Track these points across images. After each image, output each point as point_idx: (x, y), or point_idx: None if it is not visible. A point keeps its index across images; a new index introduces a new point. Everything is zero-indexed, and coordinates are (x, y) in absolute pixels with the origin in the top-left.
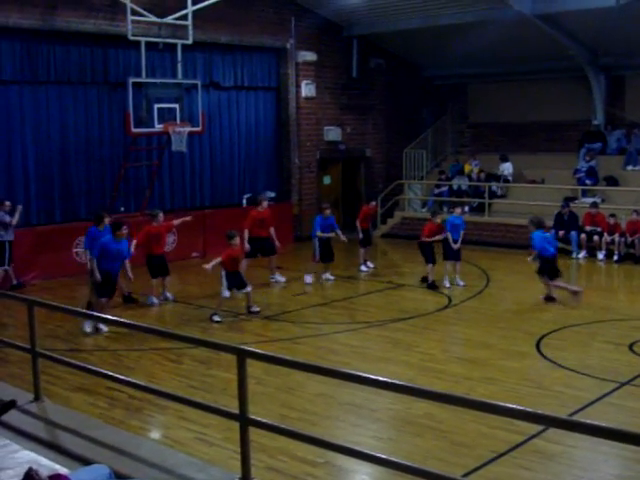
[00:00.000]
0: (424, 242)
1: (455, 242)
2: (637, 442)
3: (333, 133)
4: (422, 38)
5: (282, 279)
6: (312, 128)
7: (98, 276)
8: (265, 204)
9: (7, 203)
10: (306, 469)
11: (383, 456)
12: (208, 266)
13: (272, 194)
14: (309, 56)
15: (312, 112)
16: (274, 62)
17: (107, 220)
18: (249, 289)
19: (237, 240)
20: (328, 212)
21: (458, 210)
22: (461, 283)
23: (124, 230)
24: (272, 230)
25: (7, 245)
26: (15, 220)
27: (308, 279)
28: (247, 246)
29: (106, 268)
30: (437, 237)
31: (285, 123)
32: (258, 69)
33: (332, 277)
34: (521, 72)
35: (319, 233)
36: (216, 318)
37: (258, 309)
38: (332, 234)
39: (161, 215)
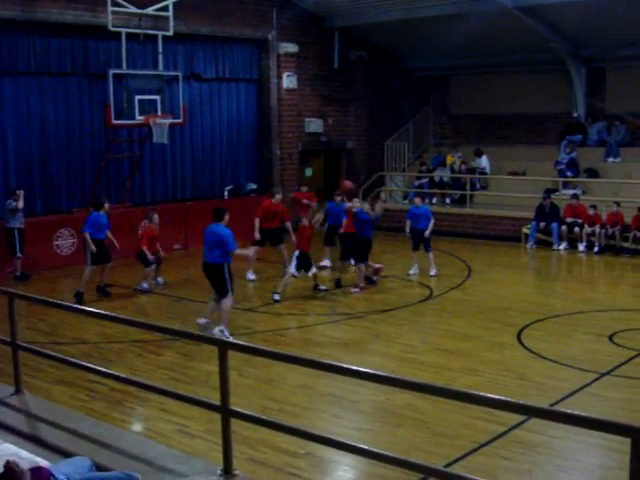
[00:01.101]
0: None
1: (419, 232)
2: (617, 431)
3: (314, 125)
4: (404, 30)
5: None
6: (293, 120)
7: (93, 247)
8: (279, 197)
9: (18, 192)
10: (288, 460)
11: (364, 447)
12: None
13: (254, 186)
14: (290, 48)
15: (293, 104)
16: (255, 54)
17: (107, 206)
18: (315, 271)
19: (305, 221)
20: (339, 199)
21: (417, 200)
22: (432, 272)
23: (106, 206)
24: (288, 225)
25: (16, 232)
26: (21, 204)
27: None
28: (257, 235)
29: (98, 238)
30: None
31: (266, 115)
32: (239, 61)
33: (329, 264)
34: (502, 64)
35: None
36: (276, 297)
37: (325, 287)
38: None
39: (156, 216)
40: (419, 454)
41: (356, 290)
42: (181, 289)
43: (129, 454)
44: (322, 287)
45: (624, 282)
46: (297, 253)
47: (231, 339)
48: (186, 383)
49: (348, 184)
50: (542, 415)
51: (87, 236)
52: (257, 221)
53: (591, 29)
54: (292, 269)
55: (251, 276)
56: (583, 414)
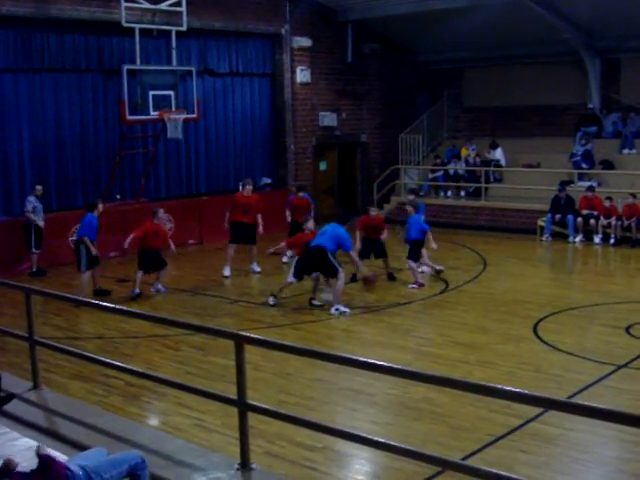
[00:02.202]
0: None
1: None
2: (635, 424)
3: (328, 119)
4: (417, 23)
5: (257, 269)
6: (307, 114)
7: (95, 250)
8: (249, 188)
9: (38, 187)
10: (305, 454)
11: (381, 440)
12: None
13: (268, 180)
14: (304, 42)
15: (307, 98)
16: (269, 48)
17: (101, 207)
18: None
19: (310, 224)
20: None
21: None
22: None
23: (100, 207)
24: (259, 217)
25: (33, 228)
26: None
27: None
28: (225, 226)
29: (90, 240)
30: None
31: (280, 109)
32: (253, 55)
33: None
34: (516, 56)
35: None
36: (271, 301)
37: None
38: None
39: (161, 212)
40: (436, 447)
41: (414, 286)
42: (197, 284)
43: (147, 448)
44: (316, 302)
45: None
46: (296, 259)
47: (348, 312)
48: (202, 377)
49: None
50: (559, 408)
51: (86, 240)
52: (227, 214)
53: (605, 20)
54: (290, 277)
55: (226, 272)
56: (600, 406)
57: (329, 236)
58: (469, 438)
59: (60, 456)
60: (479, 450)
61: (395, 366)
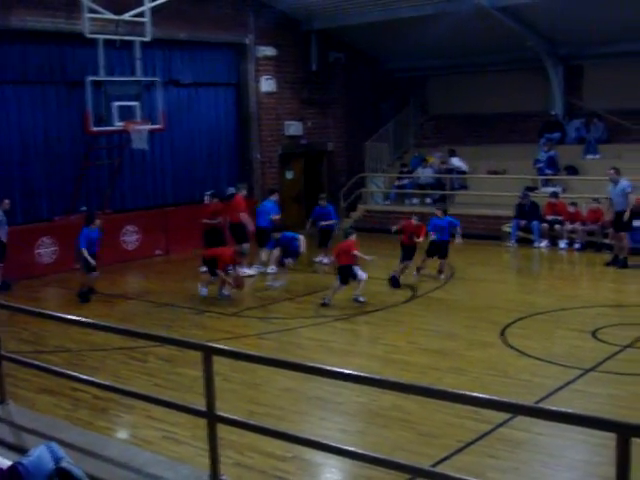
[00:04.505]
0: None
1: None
2: (603, 427)
3: (294, 128)
4: (381, 31)
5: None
6: (273, 123)
7: (93, 261)
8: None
9: (6, 201)
10: (275, 464)
11: (350, 448)
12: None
13: (234, 190)
14: (268, 51)
15: (272, 107)
16: (233, 58)
17: (98, 222)
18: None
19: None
20: (324, 202)
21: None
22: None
23: (97, 222)
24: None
25: None
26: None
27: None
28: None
29: (91, 252)
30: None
31: (246, 119)
32: (217, 65)
33: (327, 261)
34: (480, 64)
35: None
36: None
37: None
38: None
39: (97, 221)
40: (405, 454)
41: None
42: (164, 295)
43: (115, 462)
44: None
45: (606, 278)
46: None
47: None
48: (171, 389)
49: None
50: (527, 413)
51: (84, 252)
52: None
53: (568, 27)
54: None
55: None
56: (568, 411)
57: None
58: (439, 445)
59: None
60: (449, 457)
61: (363, 374)
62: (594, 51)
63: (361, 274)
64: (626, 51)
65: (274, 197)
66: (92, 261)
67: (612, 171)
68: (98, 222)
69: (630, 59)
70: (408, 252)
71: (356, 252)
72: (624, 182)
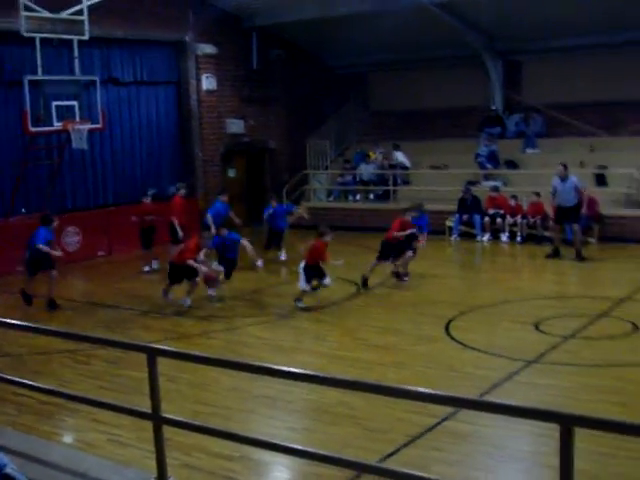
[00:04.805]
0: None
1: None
2: (546, 419)
3: (236, 126)
4: (322, 28)
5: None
6: (214, 121)
7: (58, 253)
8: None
9: None
10: (223, 464)
11: (297, 447)
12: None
13: (174, 189)
14: (208, 49)
15: (213, 105)
16: (173, 56)
17: (56, 223)
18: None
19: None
20: (274, 202)
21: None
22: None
23: (55, 223)
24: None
25: None
26: None
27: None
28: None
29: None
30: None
31: (187, 117)
32: (157, 63)
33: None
34: (420, 59)
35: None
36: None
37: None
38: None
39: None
40: (353, 450)
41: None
42: (108, 296)
43: (60, 467)
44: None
45: (547, 270)
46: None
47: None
48: (116, 391)
49: None
50: (471, 406)
51: (44, 248)
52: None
53: (506, 23)
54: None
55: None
56: (511, 403)
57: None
58: (386, 440)
59: None
60: (396, 451)
61: (308, 372)
62: (532, 46)
63: (328, 280)
64: (563, 46)
65: (224, 197)
66: (57, 253)
67: (561, 167)
68: (56, 224)
69: (567, 54)
70: (391, 250)
71: (326, 258)
72: (573, 178)
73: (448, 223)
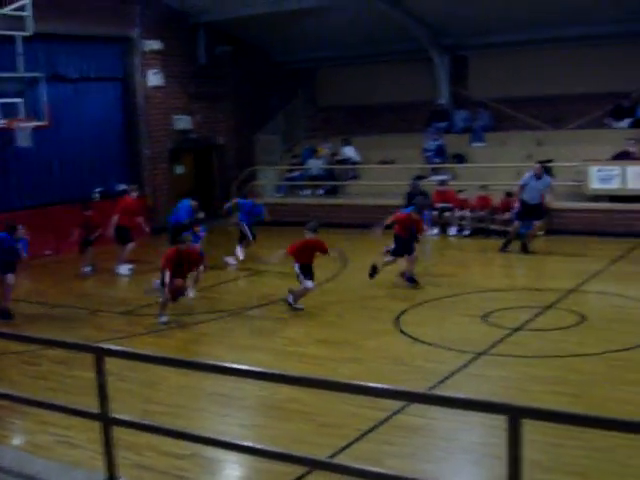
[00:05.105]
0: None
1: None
2: (494, 410)
3: (183, 122)
4: (269, 23)
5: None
6: (162, 118)
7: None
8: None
9: None
10: (174, 463)
11: (247, 444)
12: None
13: (124, 186)
14: (155, 45)
15: (161, 101)
16: (120, 52)
17: (22, 231)
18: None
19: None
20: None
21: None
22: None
23: (21, 231)
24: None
25: None
26: None
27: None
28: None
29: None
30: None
31: (134, 114)
32: (103, 60)
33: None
34: (368, 55)
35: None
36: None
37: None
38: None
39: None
40: (304, 446)
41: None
42: (56, 295)
43: (9, 471)
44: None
45: (494, 263)
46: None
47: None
48: (67, 392)
49: None
50: (419, 400)
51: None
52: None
53: (451, 18)
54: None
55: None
56: (460, 396)
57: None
58: (338, 435)
59: None
60: (348, 446)
61: (258, 369)
62: (477, 41)
63: (311, 283)
64: (507, 41)
65: (193, 201)
66: (23, 254)
67: (538, 166)
68: (22, 231)
69: (512, 49)
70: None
71: (327, 250)
72: (549, 178)
73: None
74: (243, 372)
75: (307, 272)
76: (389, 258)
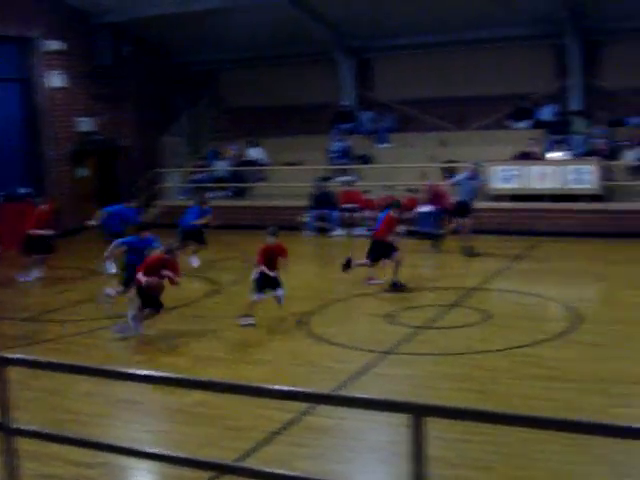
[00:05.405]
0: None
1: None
2: (397, 409)
3: (86, 124)
4: (173, 24)
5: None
6: (64, 119)
7: None
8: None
9: None
10: (82, 472)
11: (153, 450)
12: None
13: (27, 190)
14: (57, 45)
15: (63, 103)
16: (20, 52)
17: None
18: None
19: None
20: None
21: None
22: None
23: None
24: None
25: None
26: None
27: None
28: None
29: None
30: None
31: (34, 115)
32: (3, 60)
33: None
34: (273, 56)
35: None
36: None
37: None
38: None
39: None
40: (211, 450)
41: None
42: None
43: None
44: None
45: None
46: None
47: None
48: None
49: None
50: (324, 401)
51: None
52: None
53: (355, 20)
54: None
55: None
56: (365, 396)
57: None
58: (246, 437)
59: None
60: (256, 449)
61: (161, 375)
62: (380, 44)
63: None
64: (412, 43)
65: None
66: None
67: (475, 166)
68: None
69: (416, 51)
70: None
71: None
72: (480, 178)
73: (303, 219)
74: (148, 378)
75: (268, 281)
76: (365, 261)
